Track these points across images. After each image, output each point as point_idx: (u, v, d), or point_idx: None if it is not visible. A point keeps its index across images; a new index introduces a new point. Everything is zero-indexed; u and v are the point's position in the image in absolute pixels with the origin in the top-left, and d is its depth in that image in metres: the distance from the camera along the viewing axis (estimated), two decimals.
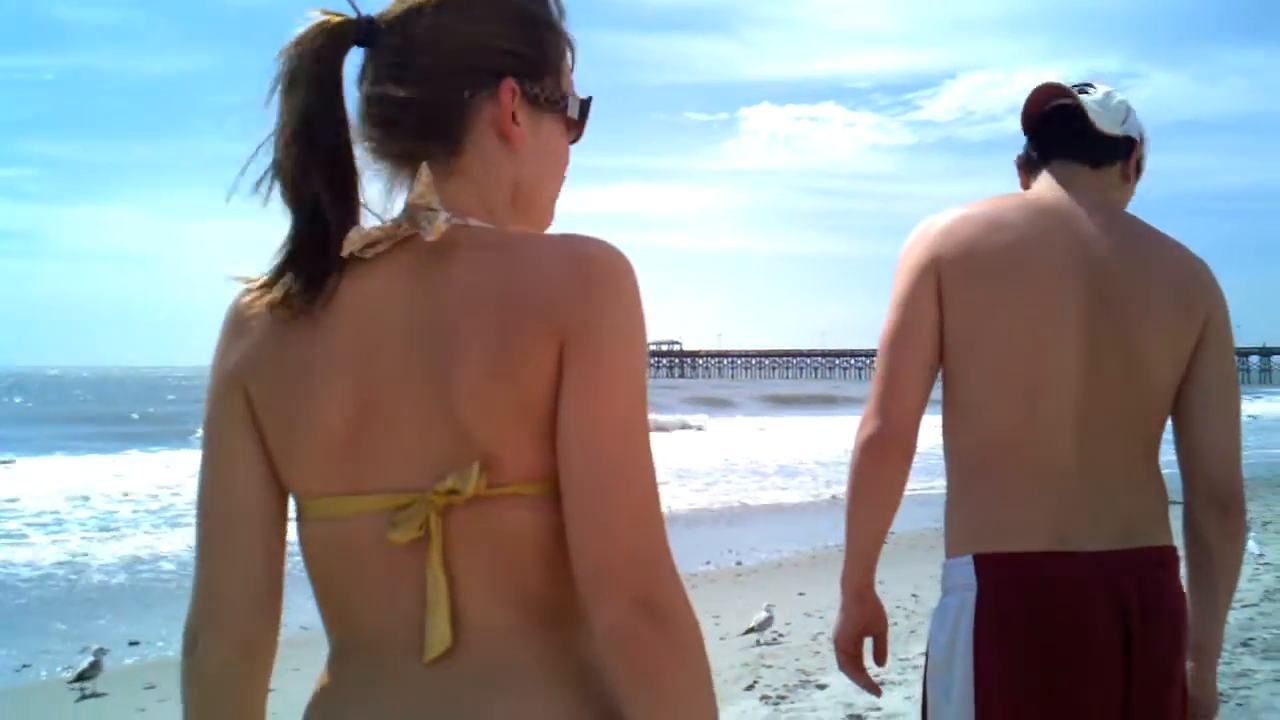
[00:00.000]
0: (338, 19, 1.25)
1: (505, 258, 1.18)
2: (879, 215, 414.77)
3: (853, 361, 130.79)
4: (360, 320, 1.20)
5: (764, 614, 7.10)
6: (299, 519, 1.27)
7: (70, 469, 20.33)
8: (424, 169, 1.20)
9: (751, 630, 7.04)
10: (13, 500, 15.46)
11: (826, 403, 51.01)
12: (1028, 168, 2.20)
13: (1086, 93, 2.11)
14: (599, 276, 1.17)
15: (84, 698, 6.27)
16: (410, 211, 1.19)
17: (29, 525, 13.65)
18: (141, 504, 15.26)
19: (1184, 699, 2.02)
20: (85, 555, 11.31)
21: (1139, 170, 2.18)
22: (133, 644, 7.47)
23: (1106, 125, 2.09)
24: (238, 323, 1.26)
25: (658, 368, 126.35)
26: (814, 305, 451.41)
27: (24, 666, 7.17)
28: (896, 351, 2.02)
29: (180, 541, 11.32)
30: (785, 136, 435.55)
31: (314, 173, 1.22)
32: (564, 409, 1.14)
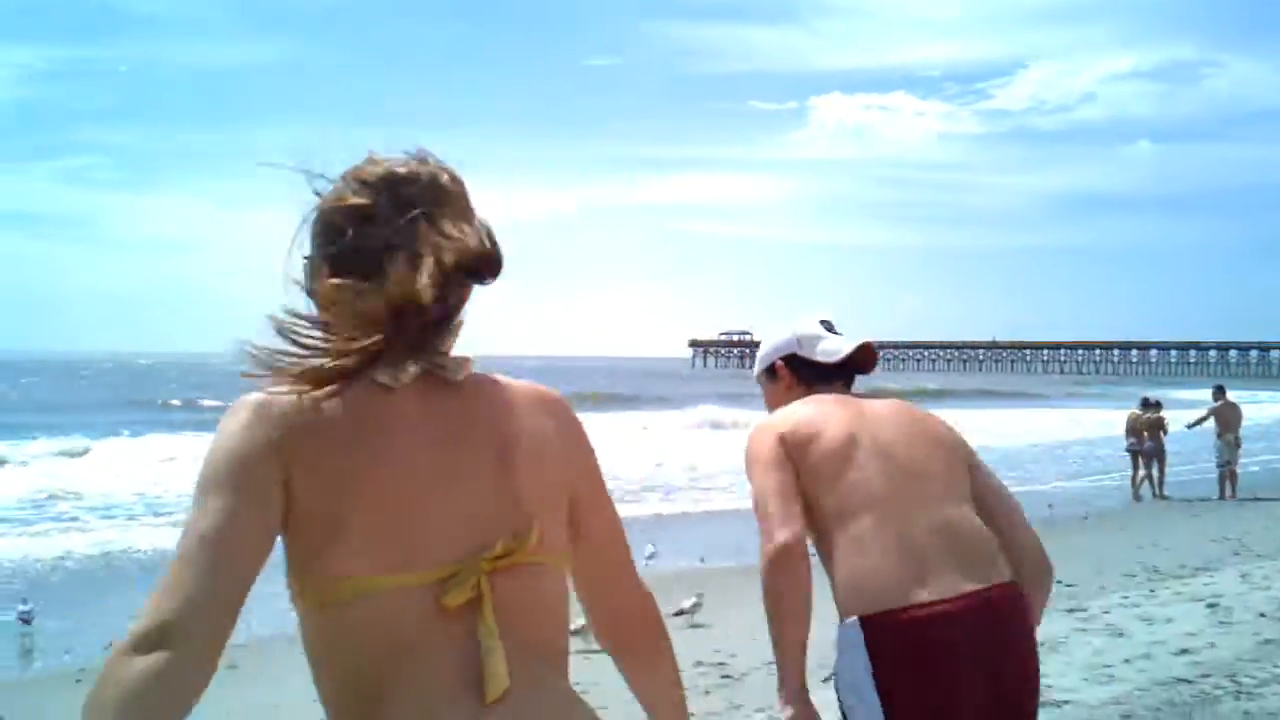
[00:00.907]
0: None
1: (494, 391, 1.62)
2: (949, 206, 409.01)
3: (926, 353, 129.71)
4: (407, 425, 1.50)
5: (693, 599, 8.35)
6: (317, 606, 1.46)
7: (145, 451, 21.03)
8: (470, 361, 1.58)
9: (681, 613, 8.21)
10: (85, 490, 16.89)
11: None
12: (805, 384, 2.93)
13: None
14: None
15: None
16: (442, 360, 1.54)
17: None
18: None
19: None
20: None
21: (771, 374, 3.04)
22: None
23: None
24: (274, 410, 1.47)
25: (728, 358, 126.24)
26: (887, 296, 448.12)
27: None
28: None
29: None
30: (854, 126, 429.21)
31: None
32: (583, 501, 1.66)
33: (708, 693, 6.69)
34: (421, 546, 1.45)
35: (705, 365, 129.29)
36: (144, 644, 1.29)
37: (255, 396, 1.47)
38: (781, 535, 2.52)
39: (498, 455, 1.53)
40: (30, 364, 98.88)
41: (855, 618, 2.48)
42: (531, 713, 1.44)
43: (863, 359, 2.94)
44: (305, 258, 1.59)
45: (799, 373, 2.93)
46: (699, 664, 7.24)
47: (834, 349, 2.92)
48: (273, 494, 1.42)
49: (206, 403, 37.09)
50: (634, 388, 59.61)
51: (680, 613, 8.20)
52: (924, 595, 2.44)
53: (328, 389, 1.44)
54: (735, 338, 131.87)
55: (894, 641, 2.44)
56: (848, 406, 2.78)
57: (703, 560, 11.69)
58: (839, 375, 2.93)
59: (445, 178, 1.58)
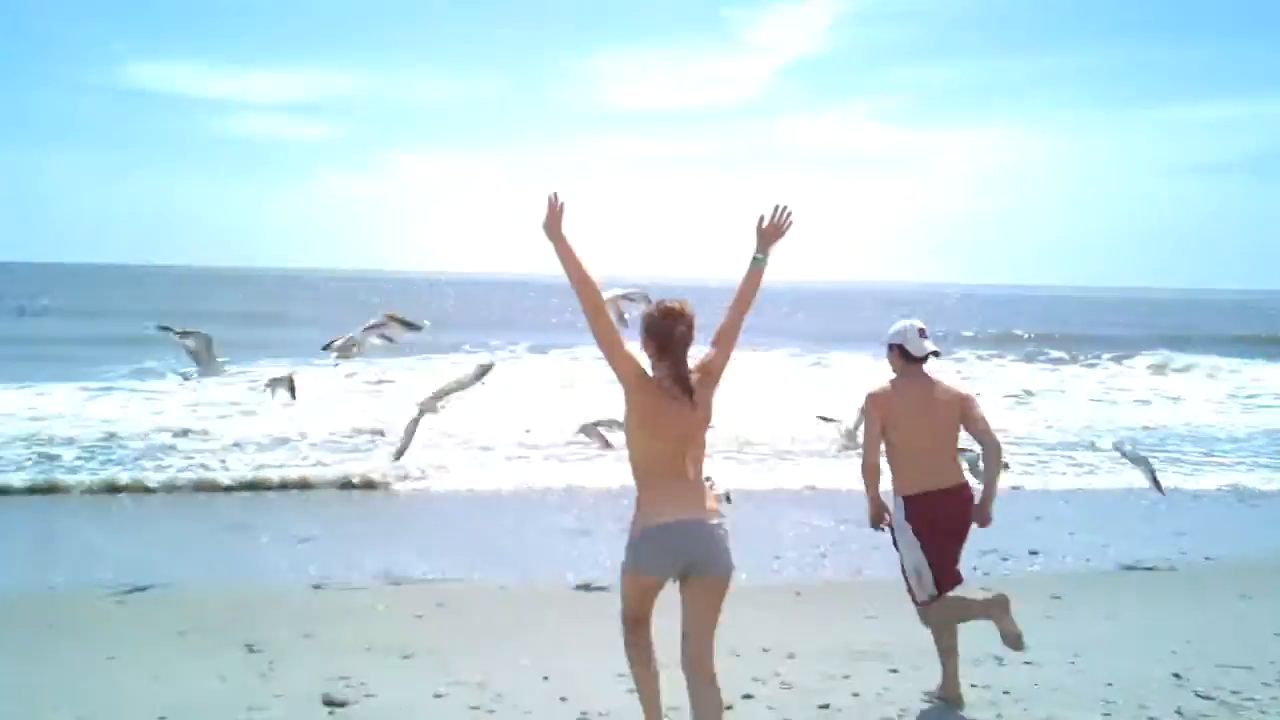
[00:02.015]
0: None
1: None
2: None
3: None
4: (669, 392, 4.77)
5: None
6: (633, 446, 4.81)
7: None
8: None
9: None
10: None
11: None
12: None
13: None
14: None
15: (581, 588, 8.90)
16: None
17: None
18: None
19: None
20: None
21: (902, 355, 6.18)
22: None
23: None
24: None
25: None
26: None
27: None
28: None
29: None
30: None
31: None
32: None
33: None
34: (664, 434, 4.66)
35: None
36: None
37: None
38: (868, 459, 6.09)
39: (689, 404, 4.66)
40: None
41: (900, 496, 6.07)
42: (696, 498, 4.70)
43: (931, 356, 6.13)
44: None
45: (903, 356, 6.16)
46: None
47: (918, 348, 6.13)
48: None
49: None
50: None
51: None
52: (925, 488, 6.01)
53: None
54: None
55: (913, 506, 6.03)
56: (917, 384, 6.13)
57: None
58: (919, 360, 6.14)
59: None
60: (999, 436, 6.10)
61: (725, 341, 4.78)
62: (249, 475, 13.72)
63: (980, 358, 36.14)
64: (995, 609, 6.03)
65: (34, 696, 6.14)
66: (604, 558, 9.18)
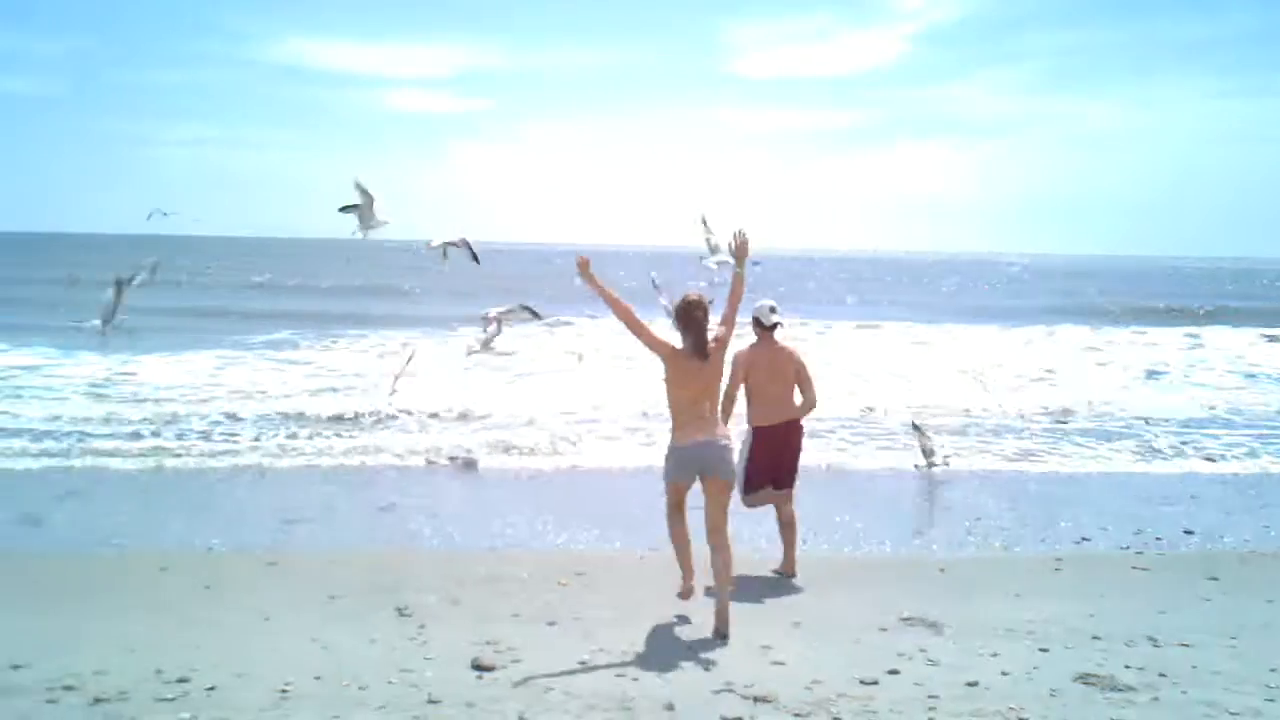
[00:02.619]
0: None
1: None
2: None
3: None
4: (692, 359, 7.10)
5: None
6: (668, 389, 7.20)
7: None
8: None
9: None
10: None
11: None
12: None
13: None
14: None
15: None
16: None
17: None
18: None
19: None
20: None
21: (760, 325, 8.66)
22: None
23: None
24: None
25: None
26: None
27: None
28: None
29: None
30: None
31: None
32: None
33: None
34: (689, 386, 7.04)
35: None
36: None
37: None
38: (728, 394, 7.94)
39: (705, 364, 7.05)
40: None
41: (753, 426, 8.49)
42: (710, 426, 7.05)
43: (777, 326, 8.53)
44: None
45: (758, 325, 8.59)
46: None
47: (767, 319, 8.55)
48: None
49: None
50: None
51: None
52: (772, 421, 8.43)
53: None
54: None
55: (761, 433, 8.46)
56: (768, 347, 8.51)
57: None
58: (769, 329, 8.55)
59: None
60: (816, 391, 8.55)
61: (729, 324, 7.14)
62: (396, 445, 14.06)
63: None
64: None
65: (194, 655, 6.38)
66: (745, 532, 9.13)
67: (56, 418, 15.38)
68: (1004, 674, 6.24)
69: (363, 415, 15.88)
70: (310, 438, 14.56)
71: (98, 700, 5.67)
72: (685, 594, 7.18)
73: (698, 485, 7.13)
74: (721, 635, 6.83)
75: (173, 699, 5.72)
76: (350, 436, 14.66)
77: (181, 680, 5.96)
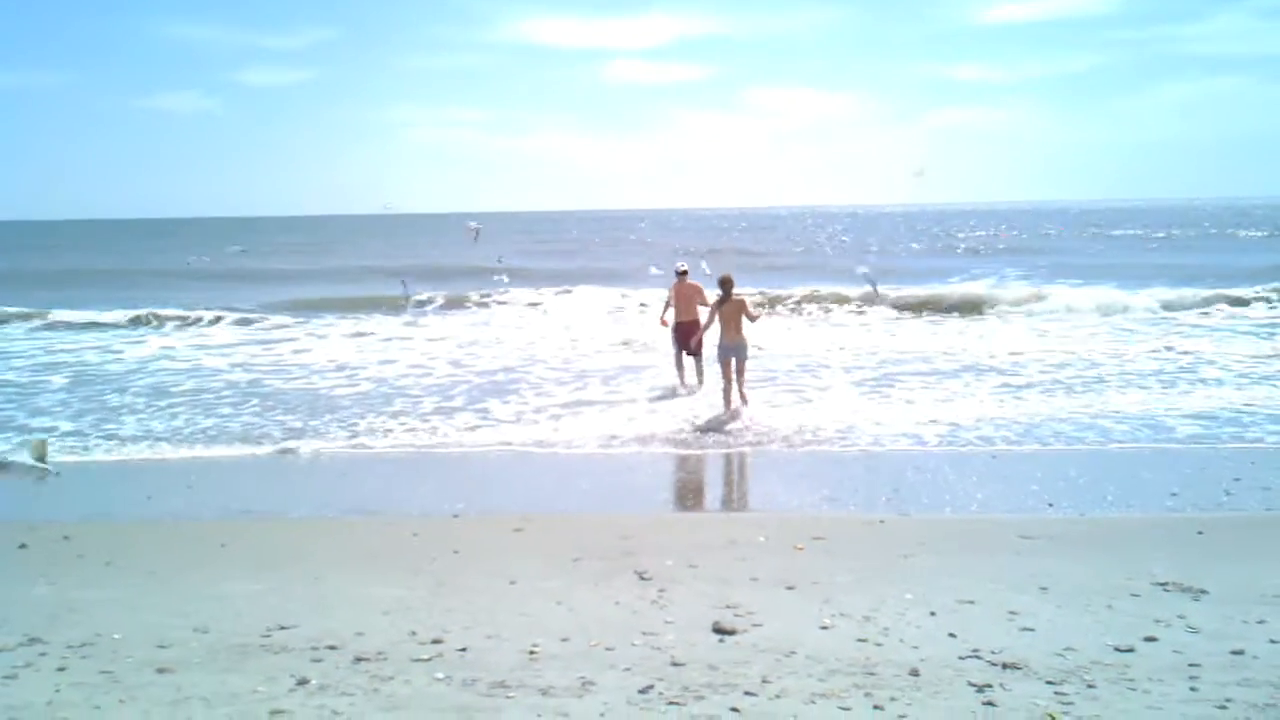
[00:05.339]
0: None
1: None
2: None
3: None
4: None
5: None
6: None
7: None
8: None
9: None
10: None
11: None
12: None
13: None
14: None
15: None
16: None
17: None
18: None
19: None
20: None
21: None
22: None
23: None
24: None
25: None
26: None
27: None
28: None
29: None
30: None
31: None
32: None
33: None
34: (723, 317, 14.70)
35: None
36: None
37: None
38: (665, 310, 16.89)
39: (732, 305, 14.55)
40: None
41: (675, 322, 16.62)
42: (736, 334, 14.60)
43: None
44: None
45: (678, 274, 16.94)
46: None
47: (678, 268, 17.00)
48: None
49: None
50: None
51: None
52: (681, 319, 16.45)
53: None
54: None
55: (680, 328, 16.49)
56: (685, 285, 16.62)
57: None
58: (682, 274, 16.83)
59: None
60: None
61: (746, 304, 14.65)
62: (632, 423, 14.44)
63: None
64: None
65: (446, 618, 6.67)
66: (981, 495, 8.93)
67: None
68: (1273, 642, 5.90)
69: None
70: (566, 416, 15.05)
71: (359, 659, 5.99)
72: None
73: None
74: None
75: (428, 659, 5.98)
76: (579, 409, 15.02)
77: (435, 641, 6.24)
